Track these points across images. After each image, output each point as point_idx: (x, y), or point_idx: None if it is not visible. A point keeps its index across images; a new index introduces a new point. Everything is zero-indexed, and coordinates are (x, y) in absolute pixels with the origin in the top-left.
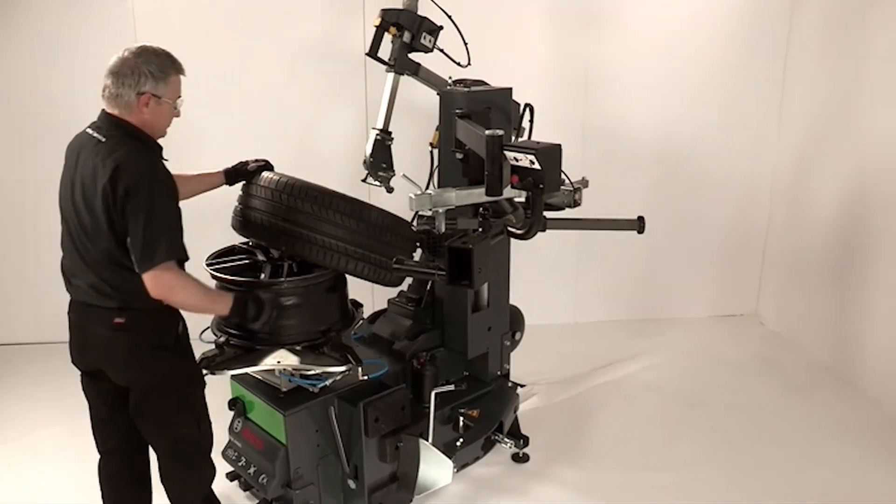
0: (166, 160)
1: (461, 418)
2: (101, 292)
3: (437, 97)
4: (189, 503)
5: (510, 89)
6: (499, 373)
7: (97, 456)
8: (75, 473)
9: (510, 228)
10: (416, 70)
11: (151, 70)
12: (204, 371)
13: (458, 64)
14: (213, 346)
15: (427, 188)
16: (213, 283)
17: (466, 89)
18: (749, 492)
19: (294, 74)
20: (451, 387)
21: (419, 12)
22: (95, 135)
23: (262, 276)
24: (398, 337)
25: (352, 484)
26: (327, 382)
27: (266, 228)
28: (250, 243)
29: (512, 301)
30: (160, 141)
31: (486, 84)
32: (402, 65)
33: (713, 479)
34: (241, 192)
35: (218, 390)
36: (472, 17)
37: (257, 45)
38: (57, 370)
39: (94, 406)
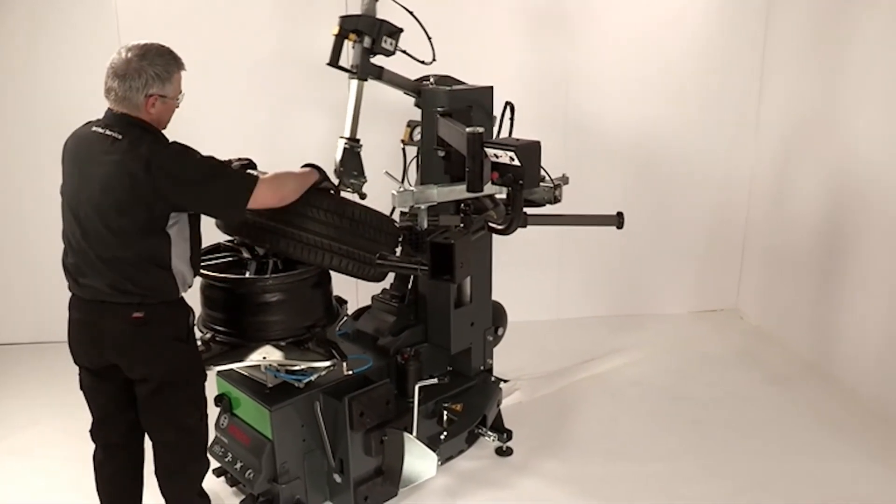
0: None
1: (445, 412)
2: (120, 289)
3: (405, 95)
4: (185, 496)
5: (491, 88)
6: (482, 367)
7: (86, 455)
8: (64, 472)
9: (491, 224)
10: (379, 74)
11: (157, 72)
12: None
13: (423, 62)
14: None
15: (402, 183)
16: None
17: (448, 88)
18: (728, 480)
19: (269, 79)
20: (435, 380)
21: (379, 15)
22: (108, 132)
23: (248, 273)
24: (382, 333)
25: (337, 478)
26: (313, 378)
27: (249, 226)
28: (235, 241)
29: (495, 297)
30: None
31: (458, 81)
32: (364, 71)
33: (693, 470)
34: None
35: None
36: (450, 16)
37: (239, 47)
38: (46, 370)
39: (96, 404)
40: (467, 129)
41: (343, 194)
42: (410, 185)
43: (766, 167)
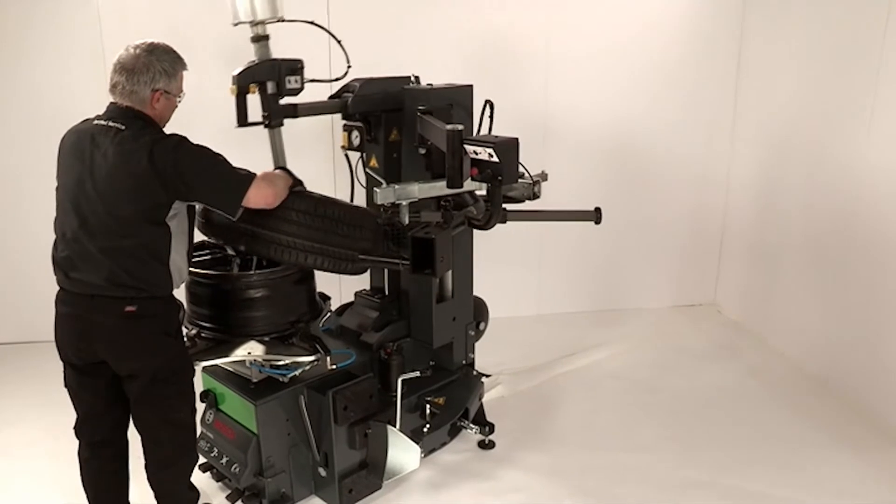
0: None
1: (427, 406)
2: (115, 282)
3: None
4: (177, 489)
5: (471, 86)
6: (464, 362)
7: (70, 452)
8: (48, 470)
9: (471, 219)
10: (294, 112)
11: (165, 67)
12: None
13: (339, 78)
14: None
15: (352, 188)
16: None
17: (429, 86)
18: (705, 469)
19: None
20: (417, 373)
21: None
22: (112, 124)
23: (233, 269)
24: (365, 328)
25: (322, 471)
26: (297, 372)
27: (224, 228)
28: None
29: (477, 293)
30: None
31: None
32: (276, 117)
33: (671, 459)
34: None
35: None
36: (428, 14)
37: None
38: (30, 369)
39: (81, 401)
40: (447, 127)
41: None
42: (363, 185)
43: (743, 165)
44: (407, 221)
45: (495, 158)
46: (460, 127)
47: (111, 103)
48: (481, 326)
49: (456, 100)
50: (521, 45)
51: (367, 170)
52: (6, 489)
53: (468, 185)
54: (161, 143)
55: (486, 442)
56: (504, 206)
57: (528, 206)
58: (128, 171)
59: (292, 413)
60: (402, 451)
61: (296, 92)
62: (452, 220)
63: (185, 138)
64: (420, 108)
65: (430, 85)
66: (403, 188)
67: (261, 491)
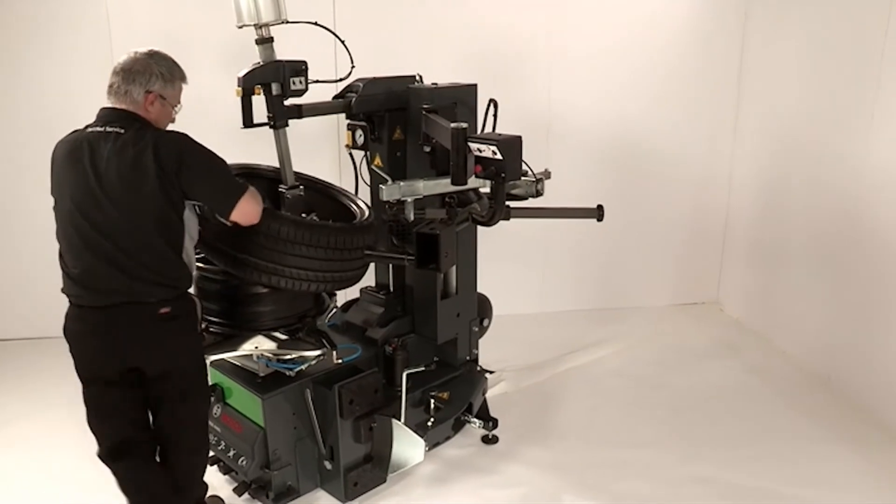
0: None
1: (432, 400)
2: (142, 288)
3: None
4: (197, 479)
5: (475, 85)
6: (468, 357)
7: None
8: (49, 468)
9: (475, 216)
10: (299, 113)
11: (162, 71)
12: None
13: (343, 79)
14: None
15: (356, 185)
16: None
17: (434, 85)
18: (706, 465)
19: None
20: (422, 368)
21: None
22: (109, 129)
23: None
24: (370, 324)
25: (328, 464)
26: (303, 367)
27: (228, 258)
28: None
29: (481, 291)
30: None
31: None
32: (281, 118)
33: (672, 455)
34: None
35: None
36: (433, 15)
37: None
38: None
39: (112, 426)
40: (451, 125)
41: None
42: (367, 183)
43: (745, 164)
44: (412, 218)
45: (499, 156)
46: (465, 125)
47: (103, 109)
48: (485, 323)
49: (460, 99)
50: (524, 45)
51: (372, 167)
52: (19, 482)
53: (472, 182)
54: (164, 136)
55: (490, 437)
56: (507, 203)
57: (531, 203)
58: (139, 172)
59: (298, 407)
60: (406, 445)
61: (300, 93)
62: (457, 216)
63: (186, 135)
64: (425, 106)
65: (435, 84)
66: (408, 185)
67: (267, 483)
